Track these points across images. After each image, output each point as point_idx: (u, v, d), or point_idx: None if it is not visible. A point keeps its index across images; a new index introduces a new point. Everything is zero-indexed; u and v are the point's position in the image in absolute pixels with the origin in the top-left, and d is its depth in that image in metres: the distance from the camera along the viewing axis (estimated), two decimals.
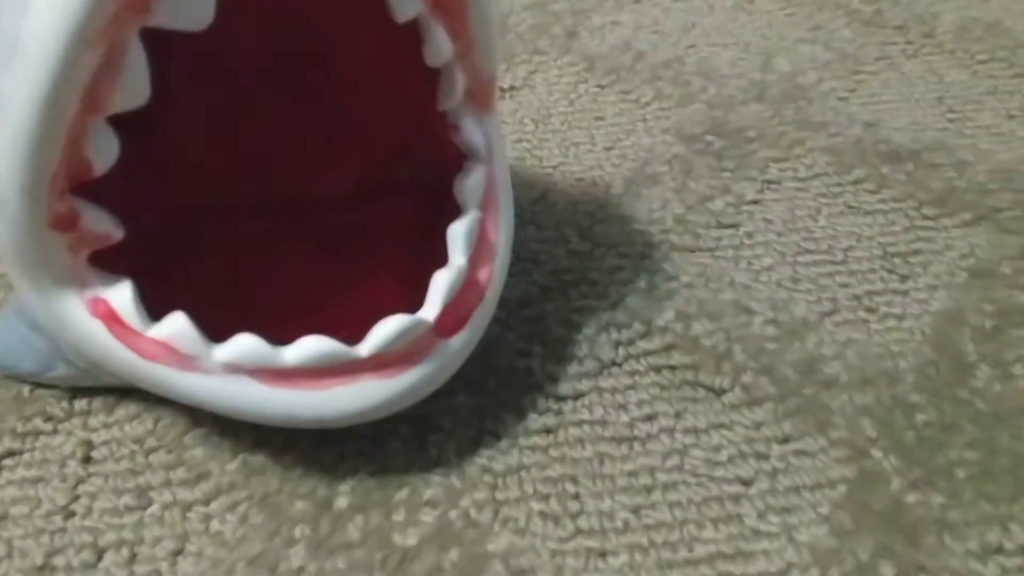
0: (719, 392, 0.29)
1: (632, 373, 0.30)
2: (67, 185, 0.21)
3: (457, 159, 0.28)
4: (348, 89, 0.29)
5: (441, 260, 0.26)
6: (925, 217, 0.36)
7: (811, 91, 0.42)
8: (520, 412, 0.29)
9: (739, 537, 0.26)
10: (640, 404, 0.29)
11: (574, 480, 0.27)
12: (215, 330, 0.24)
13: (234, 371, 0.24)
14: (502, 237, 0.27)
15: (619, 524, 0.26)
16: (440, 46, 0.24)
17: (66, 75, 0.19)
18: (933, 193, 0.37)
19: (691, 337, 0.31)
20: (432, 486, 0.27)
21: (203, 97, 0.29)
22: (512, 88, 0.43)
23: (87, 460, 0.28)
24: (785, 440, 0.28)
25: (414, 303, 0.25)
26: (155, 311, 0.24)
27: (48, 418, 0.29)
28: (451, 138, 0.27)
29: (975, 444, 0.28)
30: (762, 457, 0.28)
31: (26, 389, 0.29)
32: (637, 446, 0.28)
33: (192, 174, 0.29)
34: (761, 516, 0.26)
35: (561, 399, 0.29)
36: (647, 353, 0.30)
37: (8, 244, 0.23)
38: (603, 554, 0.25)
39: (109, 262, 0.24)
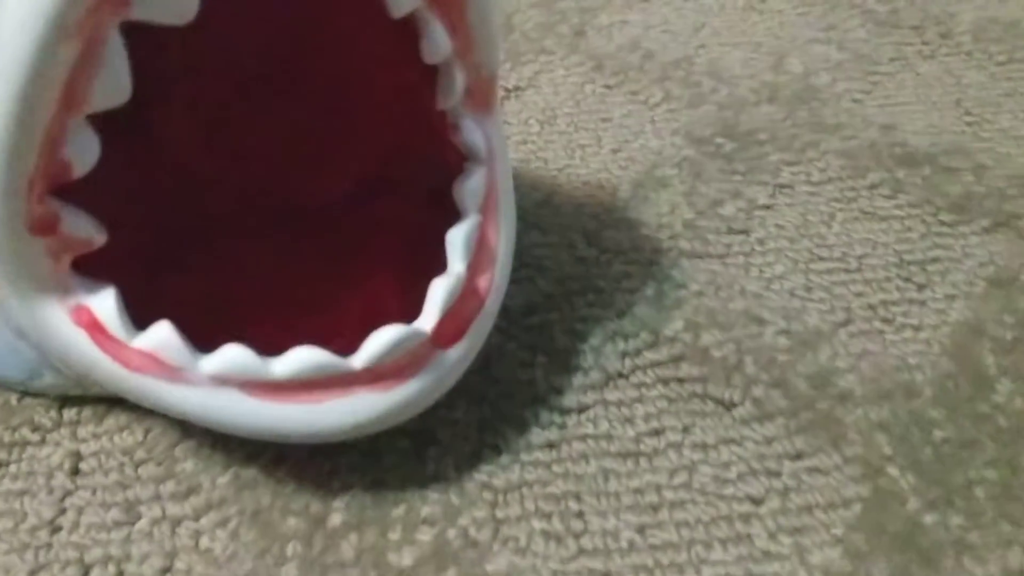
0: (729, 406, 0.29)
1: (639, 385, 0.29)
2: (46, 187, 0.21)
3: (457, 161, 0.27)
4: (343, 87, 0.29)
5: (440, 266, 0.26)
6: (942, 223, 0.35)
7: (824, 92, 0.42)
8: (522, 426, 0.28)
9: (749, 559, 0.25)
10: (647, 418, 0.28)
11: (577, 497, 0.26)
12: (206, 340, 0.23)
13: (222, 383, 0.23)
14: (503, 243, 0.27)
15: (624, 544, 0.25)
16: (438, 42, 0.24)
17: (42, 69, 0.19)
18: (951, 199, 0.36)
19: (700, 348, 0.30)
20: (429, 503, 0.26)
21: (194, 95, 0.28)
22: (517, 88, 0.42)
23: (75, 472, 0.27)
24: (797, 456, 0.27)
25: (413, 311, 0.25)
26: (143, 320, 0.23)
27: (36, 428, 0.28)
28: (450, 139, 0.27)
29: (996, 462, 0.27)
30: (773, 474, 0.27)
31: (14, 398, 0.29)
32: (643, 462, 0.27)
33: (182, 175, 0.29)
34: (772, 537, 0.25)
35: (565, 412, 0.28)
36: (654, 364, 0.30)
37: None
38: (607, 575, 0.25)
39: (93, 268, 0.23)
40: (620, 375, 0.30)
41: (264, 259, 0.29)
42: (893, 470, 0.27)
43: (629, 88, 0.42)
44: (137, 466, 0.27)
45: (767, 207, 0.36)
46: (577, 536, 0.25)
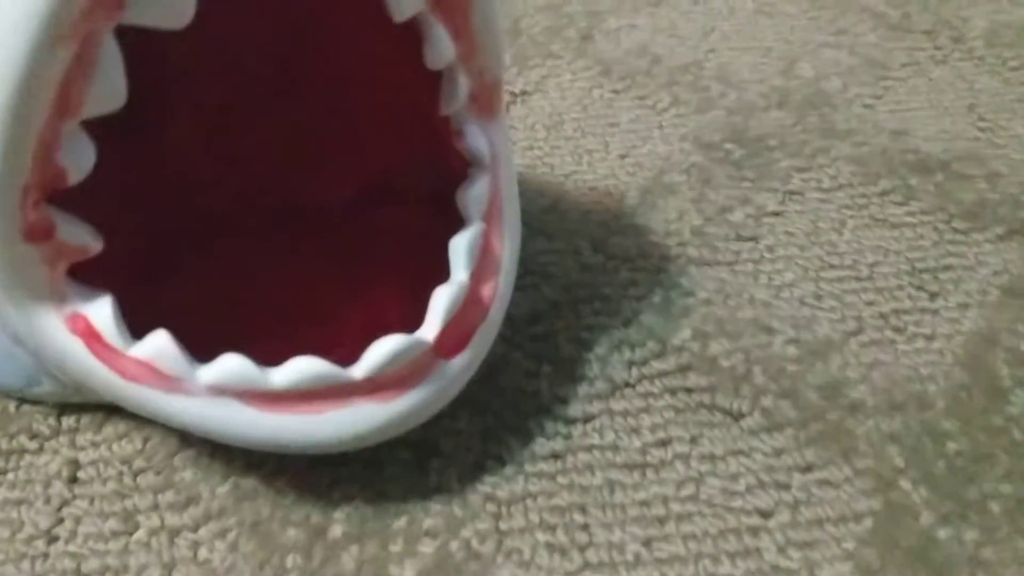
0: (737, 416, 0.28)
1: (645, 395, 0.29)
2: (41, 194, 0.21)
3: (461, 167, 0.27)
4: (344, 88, 0.28)
5: (444, 273, 0.25)
6: (955, 231, 0.35)
7: (835, 98, 0.42)
8: (526, 436, 0.28)
9: (757, 573, 0.25)
10: (654, 428, 0.28)
11: (583, 509, 0.26)
12: (206, 349, 0.23)
13: (220, 393, 0.23)
14: (507, 250, 0.27)
15: (630, 557, 0.25)
16: (441, 47, 0.23)
17: (35, 73, 0.18)
18: (963, 206, 0.36)
19: (708, 357, 0.30)
20: (432, 515, 0.26)
21: (195, 100, 0.28)
22: (524, 93, 0.42)
23: (73, 480, 0.27)
24: (807, 469, 0.27)
25: (415, 319, 0.24)
26: (140, 328, 0.23)
27: (34, 436, 0.28)
28: (454, 144, 0.26)
29: (1011, 475, 0.27)
30: (783, 487, 0.26)
31: (12, 405, 0.28)
32: (650, 473, 0.27)
33: (181, 181, 0.28)
34: (781, 551, 0.25)
35: (570, 422, 0.28)
36: (662, 374, 0.29)
37: None
38: None
39: (90, 275, 0.23)
40: (626, 385, 0.29)
41: (263, 260, 0.29)
42: (905, 483, 0.27)
43: (637, 93, 0.42)
44: (136, 475, 0.27)
45: (777, 214, 0.36)
46: (582, 549, 0.25)
